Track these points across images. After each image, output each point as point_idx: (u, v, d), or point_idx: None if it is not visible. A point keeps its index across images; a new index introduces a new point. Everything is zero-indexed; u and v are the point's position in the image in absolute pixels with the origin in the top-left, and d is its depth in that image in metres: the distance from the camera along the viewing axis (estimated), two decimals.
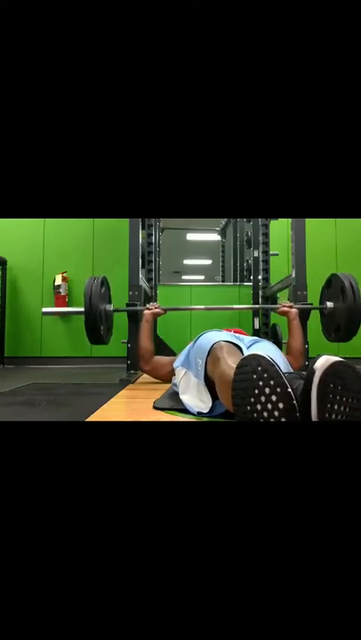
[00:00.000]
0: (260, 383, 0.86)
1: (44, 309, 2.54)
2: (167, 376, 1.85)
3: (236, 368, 0.94)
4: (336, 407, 0.83)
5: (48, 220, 4.08)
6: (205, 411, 1.25)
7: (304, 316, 2.39)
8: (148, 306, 2.26)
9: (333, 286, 2.27)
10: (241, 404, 0.88)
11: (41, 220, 4.07)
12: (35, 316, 4.05)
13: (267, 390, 0.85)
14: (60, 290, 3.97)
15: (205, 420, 1.22)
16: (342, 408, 0.84)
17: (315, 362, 0.85)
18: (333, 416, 0.83)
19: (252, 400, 0.86)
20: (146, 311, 2.21)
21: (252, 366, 0.89)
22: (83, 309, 2.13)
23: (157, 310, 2.22)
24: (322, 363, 0.84)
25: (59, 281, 3.96)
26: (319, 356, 0.86)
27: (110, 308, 2.38)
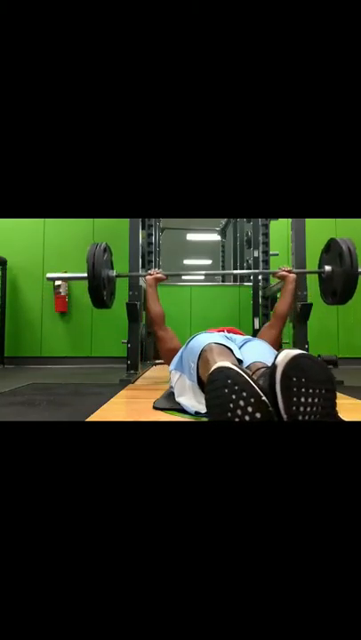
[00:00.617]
0: (234, 397, 0.85)
1: (49, 275, 2.57)
2: (169, 352, 1.81)
3: (207, 385, 0.93)
4: (303, 399, 0.83)
5: (48, 220, 4.07)
6: (203, 411, 1.25)
7: (304, 315, 2.39)
8: (149, 272, 2.28)
9: (332, 250, 2.28)
10: (219, 420, 0.88)
11: (41, 220, 4.07)
12: (35, 316, 4.05)
13: (241, 403, 0.84)
14: (60, 290, 3.96)
15: (204, 419, 1.22)
16: (310, 399, 0.83)
17: (276, 358, 0.85)
18: (302, 408, 0.83)
19: (230, 415, 0.85)
20: (148, 276, 2.22)
21: (222, 380, 0.87)
22: (86, 275, 2.15)
23: (159, 275, 2.23)
24: (282, 358, 0.84)
25: (58, 281, 3.96)
26: (280, 351, 0.86)
27: (113, 273, 2.41)
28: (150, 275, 2.23)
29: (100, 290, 2.17)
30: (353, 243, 2.17)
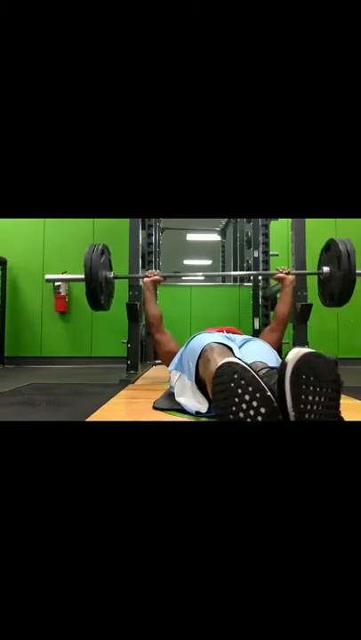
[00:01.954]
0: (240, 391, 0.86)
1: (47, 276, 2.58)
2: (167, 355, 1.81)
3: (213, 378, 0.93)
4: (311, 398, 0.83)
5: (48, 220, 4.07)
6: (203, 411, 1.25)
7: (304, 315, 2.39)
8: (146, 273, 2.27)
9: (332, 251, 2.27)
10: (223, 414, 0.88)
11: (41, 220, 4.07)
12: (35, 316, 4.05)
13: (247, 397, 0.85)
14: (60, 290, 3.97)
15: (204, 419, 1.22)
16: (317, 398, 0.83)
17: (286, 355, 0.85)
18: (309, 407, 0.83)
19: (234, 409, 0.86)
20: (145, 279, 2.22)
21: (229, 375, 0.88)
22: (83, 277, 2.15)
23: (157, 277, 2.23)
24: (293, 355, 0.84)
25: (59, 281, 3.96)
26: (291, 349, 0.86)
27: (111, 275, 2.40)
28: (148, 277, 2.23)
29: (97, 293, 2.18)
30: (352, 244, 2.15)
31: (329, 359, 0.87)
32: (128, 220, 2.68)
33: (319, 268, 2.37)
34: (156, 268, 3.82)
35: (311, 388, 0.83)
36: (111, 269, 2.44)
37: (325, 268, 2.31)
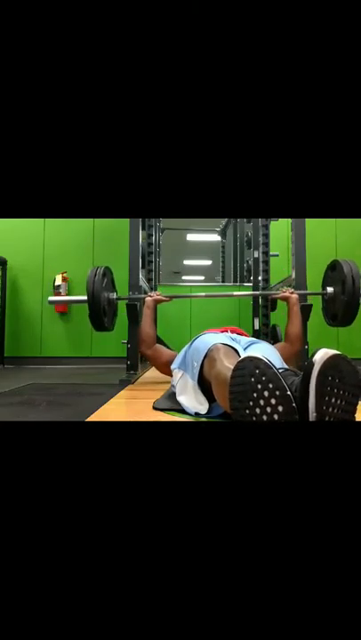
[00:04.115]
0: (259, 386, 0.86)
1: (50, 298, 2.55)
2: (165, 366, 1.83)
3: (233, 370, 0.93)
4: (333, 400, 0.83)
5: (48, 220, 4.07)
6: (203, 412, 1.25)
7: (304, 315, 2.39)
8: (150, 294, 2.28)
9: (337, 272, 2.25)
10: (239, 407, 0.88)
11: (41, 220, 4.07)
12: (35, 316, 4.05)
13: (265, 393, 0.85)
14: (60, 290, 3.96)
15: (204, 420, 1.22)
16: (338, 401, 0.84)
17: (314, 355, 0.85)
18: (330, 409, 0.83)
19: (251, 403, 0.86)
20: (147, 298, 2.22)
21: (250, 369, 0.88)
22: (86, 298, 2.14)
23: (159, 297, 2.23)
24: (321, 355, 0.84)
25: (59, 281, 3.96)
26: (318, 349, 0.86)
27: (114, 296, 2.39)
28: (150, 296, 2.23)
29: (100, 316, 2.16)
30: (357, 267, 2.13)
31: (353, 363, 0.87)
32: (128, 219, 2.68)
33: (323, 287, 2.35)
34: (156, 268, 3.82)
35: (335, 391, 0.83)
36: (114, 290, 2.41)
37: (329, 289, 2.29)
